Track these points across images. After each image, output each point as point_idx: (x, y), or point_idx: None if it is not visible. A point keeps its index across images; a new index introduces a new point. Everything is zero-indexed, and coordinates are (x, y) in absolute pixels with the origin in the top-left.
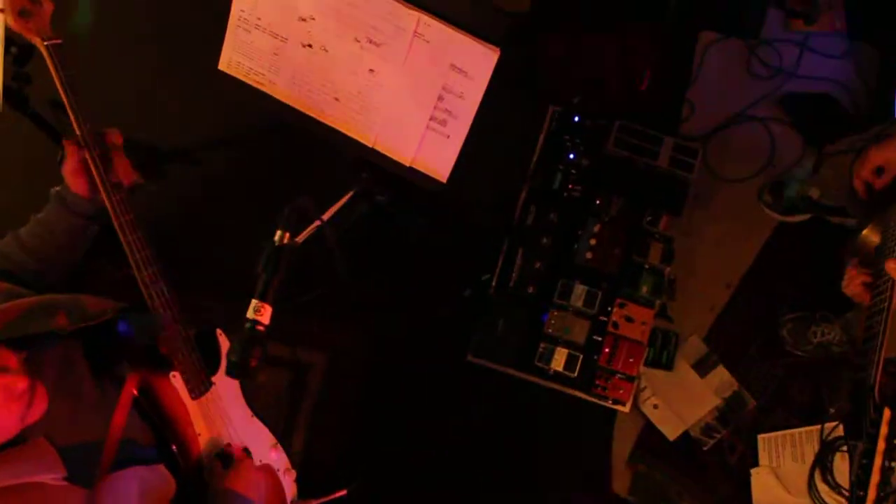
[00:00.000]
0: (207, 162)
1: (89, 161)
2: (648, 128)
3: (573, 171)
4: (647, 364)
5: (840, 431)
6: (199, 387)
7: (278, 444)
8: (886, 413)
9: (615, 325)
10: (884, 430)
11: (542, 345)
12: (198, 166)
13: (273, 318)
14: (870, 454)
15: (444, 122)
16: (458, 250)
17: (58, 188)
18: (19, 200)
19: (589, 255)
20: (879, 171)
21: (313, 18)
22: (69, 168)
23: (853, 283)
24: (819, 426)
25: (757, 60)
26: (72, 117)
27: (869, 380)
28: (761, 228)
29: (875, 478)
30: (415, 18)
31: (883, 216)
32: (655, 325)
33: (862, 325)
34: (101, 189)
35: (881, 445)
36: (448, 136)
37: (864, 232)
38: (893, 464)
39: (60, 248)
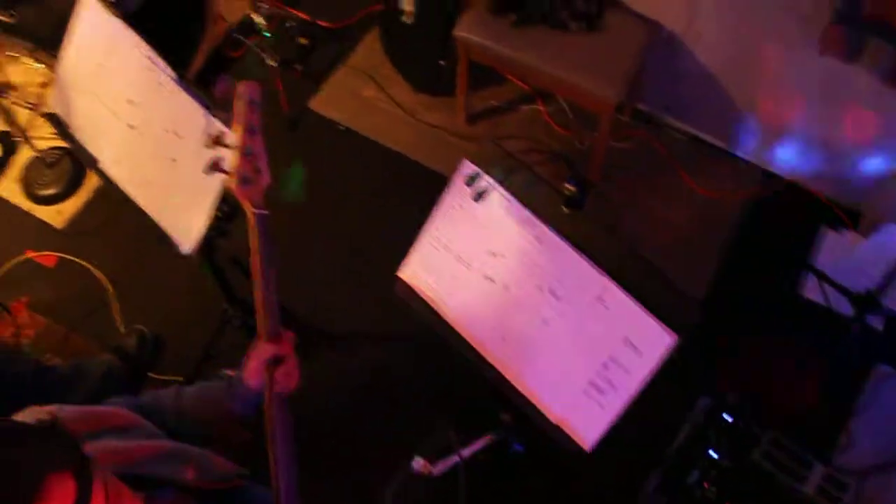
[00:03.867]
0: (361, 357)
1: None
2: (801, 448)
3: (712, 471)
4: None
5: None
6: None
7: None
8: None
9: None
10: None
11: None
12: (350, 358)
13: None
14: None
15: (602, 391)
16: None
17: (231, 373)
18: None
19: None
20: None
21: (503, 256)
22: (252, 365)
23: None
24: None
25: None
26: (257, 291)
27: None
28: None
29: None
30: (601, 284)
31: None
32: None
33: None
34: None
35: None
36: (603, 406)
37: None
38: None
39: (208, 422)
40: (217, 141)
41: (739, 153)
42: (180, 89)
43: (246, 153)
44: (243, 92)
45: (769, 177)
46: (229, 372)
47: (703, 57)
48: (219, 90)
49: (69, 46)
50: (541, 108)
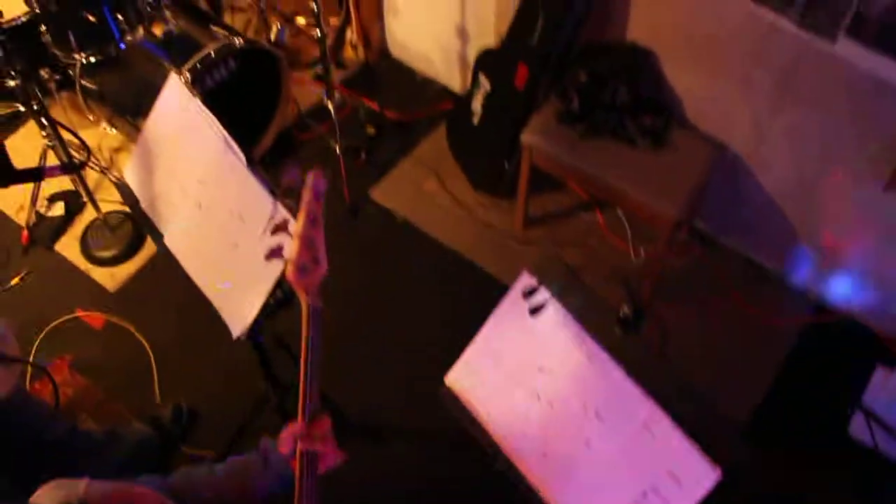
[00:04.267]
0: (397, 455)
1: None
2: None
3: None
4: None
5: None
6: None
7: None
8: None
9: None
10: None
11: None
12: (386, 454)
13: None
14: None
15: None
16: None
17: (267, 444)
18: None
19: None
20: None
21: (552, 372)
22: (285, 434)
23: None
24: None
25: None
26: (301, 378)
27: None
28: None
29: None
30: (649, 411)
31: None
32: None
33: None
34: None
35: None
36: None
37: None
38: None
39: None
40: (280, 228)
41: (794, 280)
42: (250, 174)
43: (306, 242)
44: (311, 182)
45: (823, 307)
46: (265, 442)
47: (766, 182)
48: (286, 178)
49: (150, 121)
50: (599, 217)
